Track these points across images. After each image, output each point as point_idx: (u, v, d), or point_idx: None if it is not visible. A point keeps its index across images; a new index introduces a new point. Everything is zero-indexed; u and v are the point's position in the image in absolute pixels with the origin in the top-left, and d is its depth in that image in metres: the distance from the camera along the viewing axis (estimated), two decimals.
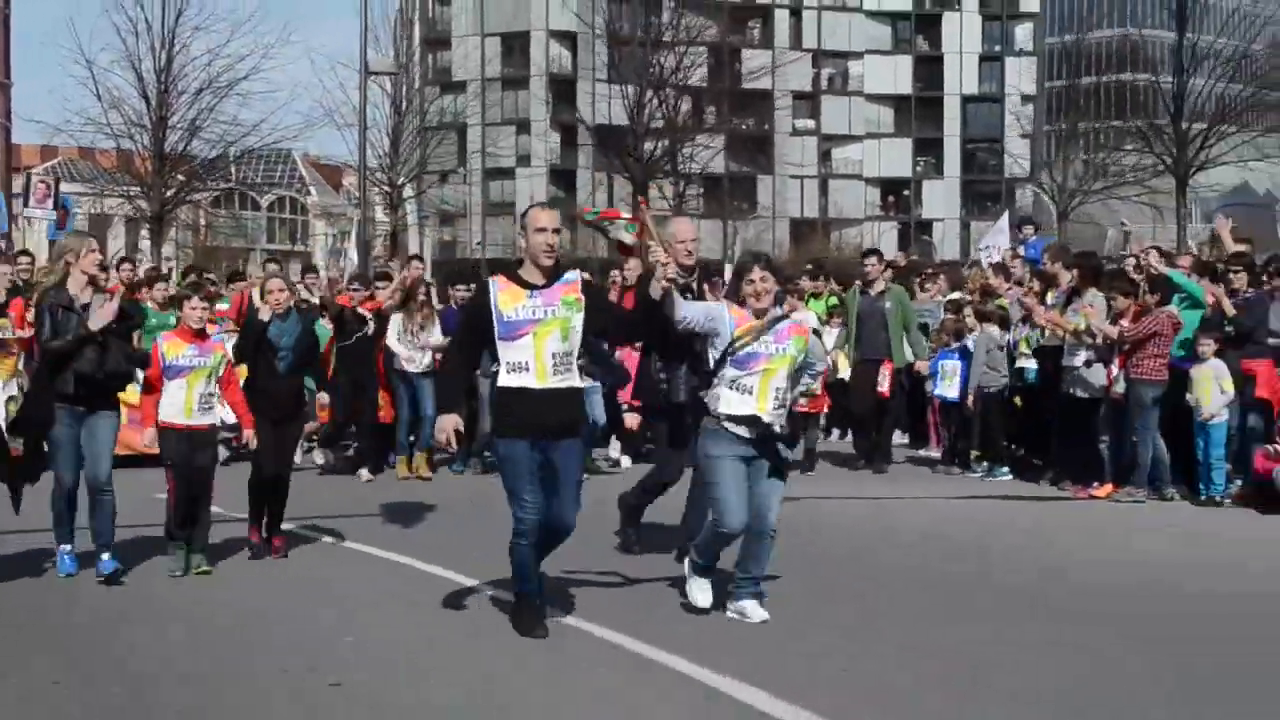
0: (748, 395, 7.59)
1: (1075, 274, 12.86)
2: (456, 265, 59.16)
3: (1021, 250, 16.58)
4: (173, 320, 15.18)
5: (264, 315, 10.04)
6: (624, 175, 57.98)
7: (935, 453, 16.07)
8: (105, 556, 8.91)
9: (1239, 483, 12.30)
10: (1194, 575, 9.30)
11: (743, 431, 7.57)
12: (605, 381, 12.39)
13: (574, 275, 7.57)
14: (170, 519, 9.39)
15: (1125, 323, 12.66)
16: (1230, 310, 12.44)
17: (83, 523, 9.06)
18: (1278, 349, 12.11)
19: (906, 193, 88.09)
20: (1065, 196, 53.63)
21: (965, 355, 14.93)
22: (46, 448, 8.97)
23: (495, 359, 7.42)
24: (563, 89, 76.75)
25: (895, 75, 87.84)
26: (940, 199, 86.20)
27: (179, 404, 9.34)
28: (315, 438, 15.11)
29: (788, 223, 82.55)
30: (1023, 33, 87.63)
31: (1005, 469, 14.35)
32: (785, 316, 7.84)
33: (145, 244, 36.40)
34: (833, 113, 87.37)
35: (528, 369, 7.27)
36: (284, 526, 10.16)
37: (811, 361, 7.98)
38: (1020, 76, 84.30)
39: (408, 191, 46.10)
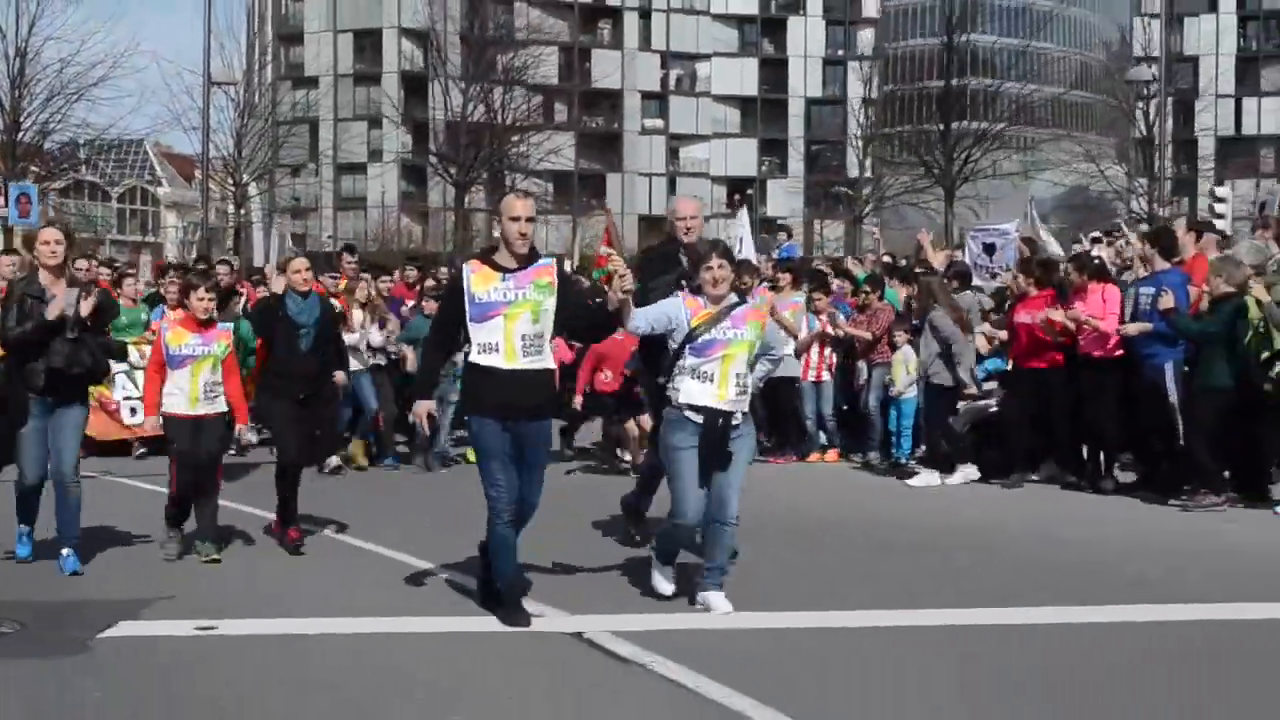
0: (709, 383, 7.59)
1: (788, 278, 15.52)
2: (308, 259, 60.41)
3: (775, 254, 19.19)
4: (143, 317, 15.69)
5: (277, 288, 9.92)
6: (446, 177, 59.05)
7: None
8: (67, 552, 8.72)
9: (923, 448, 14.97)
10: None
11: (701, 420, 7.61)
12: None
13: (548, 260, 7.71)
14: (169, 506, 9.35)
15: (839, 322, 15.31)
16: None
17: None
18: None
19: (751, 191, 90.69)
20: (861, 202, 57.04)
21: None
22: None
23: (467, 339, 7.52)
24: (415, 85, 78.27)
25: (741, 77, 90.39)
26: (784, 198, 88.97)
27: (185, 393, 9.29)
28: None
29: (636, 219, 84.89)
30: (865, 38, 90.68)
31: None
32: (742, 302, 7.93)
33: None
34: (681, 113, 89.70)
35: (497, 350, 7.37)
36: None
37: (771, 345, 8.02)
38: (862, 80, 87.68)
39: (252, 190, 47.79)
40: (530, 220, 7.49)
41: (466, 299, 7.42)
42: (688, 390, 7.62)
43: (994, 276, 15.32)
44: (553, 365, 7.65)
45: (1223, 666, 6.68)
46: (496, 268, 7.47)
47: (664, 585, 7.99)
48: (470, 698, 6.13)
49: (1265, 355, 11.13)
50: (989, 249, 14.66)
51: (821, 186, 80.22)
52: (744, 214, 19.48)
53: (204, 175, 29.32)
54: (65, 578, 8.56)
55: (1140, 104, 75.77)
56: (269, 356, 10.01)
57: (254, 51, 69.55)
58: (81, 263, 17.74)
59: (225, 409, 9.50)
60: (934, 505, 12.32)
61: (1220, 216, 27.58)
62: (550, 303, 7.44)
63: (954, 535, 10.64)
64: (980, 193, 50.57)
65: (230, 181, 45.37)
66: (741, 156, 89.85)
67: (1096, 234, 17.05)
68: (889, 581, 8.71)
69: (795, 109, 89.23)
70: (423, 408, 7.81)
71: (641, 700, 6.10)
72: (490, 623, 7.43)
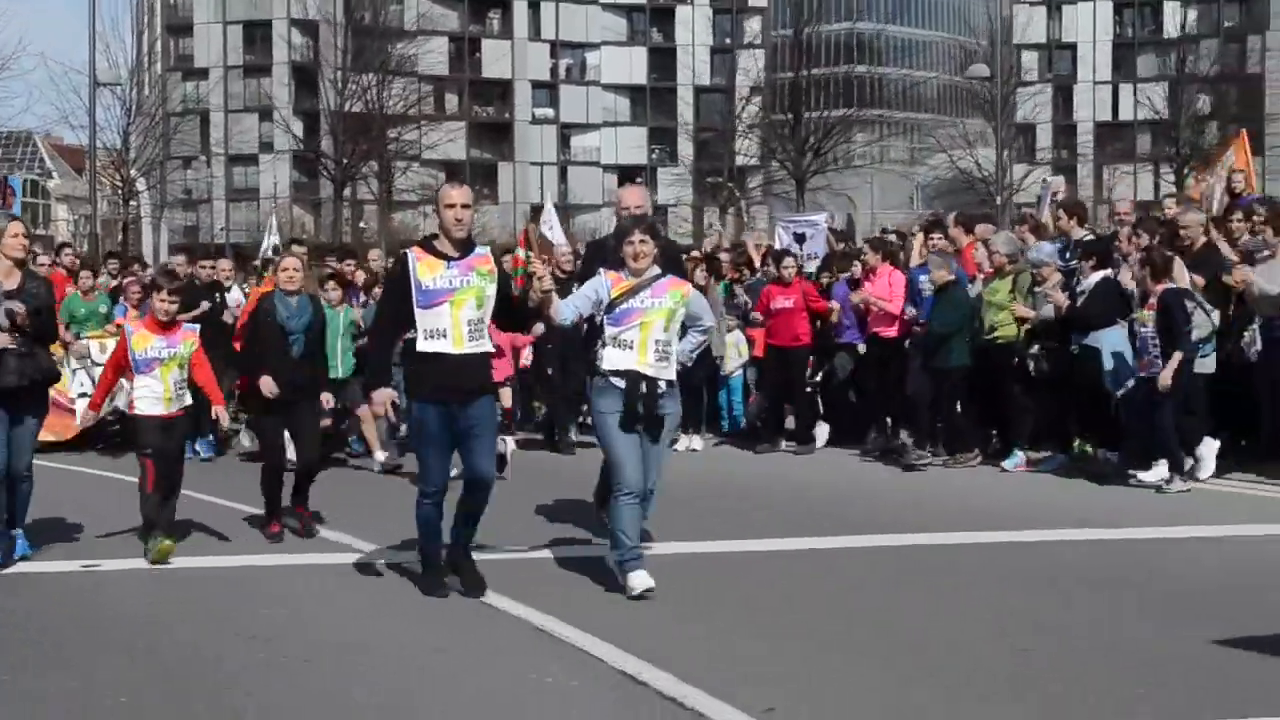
0: (628, 350, 7.81)
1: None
2: (200, 250, 61.08)
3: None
4: (101, 309, 15.90)
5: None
6: (325, 172, 59.57)
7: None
8: (16, 532, 8.99)
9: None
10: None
11: (624, 385, 7.81)
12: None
13: (485, 250, 8.00)
14: (147, 505, 9.19)
15: None
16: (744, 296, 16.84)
17: None
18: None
19: (641, 179, 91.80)
20: (725, 193, 59.03)
21: None
22: None
23: (412, 326, 7.77)
24: (305, 77, 78.78)
25: (631, 66, 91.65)
26: (673, 186, 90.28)
27: (157, 395, 9.23)
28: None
29: (528, 208, 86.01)
30: (752, 26, 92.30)
31: None
32: (661, 276, 8.02)
33: None
34: (571, 102, 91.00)
35: (445, 335, 7.65)
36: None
37: (698, 315, 8.16)
38: (750, 68, 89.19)
39: (141, 185, 48.69)
40: (466, 207, 7.79)
41: (413, 287, 7.69)
42: (610, 358, 7.86)
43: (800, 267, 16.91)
44: (491, 348, 7.98)
45: (926, 579, 8.50)
46: (440, 256, 7.75)
47: (639, 582, 7.80)
48: (299, 605, 7.76)
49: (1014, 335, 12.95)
50: (800, 239, 16.29)
51: (700, 175, 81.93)
52: (550, 206, 20.38)
53: (91, 176, 30.49)
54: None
55: (1020, 90, 78.72)
56: (260, 361, 9.90)
57: (142, 44, 69.98)
58: (68, 252, 17.87)
59: (190, 403, 9.52)
60: (725, 467, 14.05)
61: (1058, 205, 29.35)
62: (491, 289, 7.78)
63: (737, 489, 12.40)
64: (831, 184, 52.63)
65: (119, 177, 46.24)
66: (631, 145, 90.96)
67: (886, 226, 18.83)
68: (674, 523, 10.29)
69: (684, 97, 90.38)
70: (385, 395, 7.94)
71: (439, 608, 7.75)
72: (336, 556, 9.06)
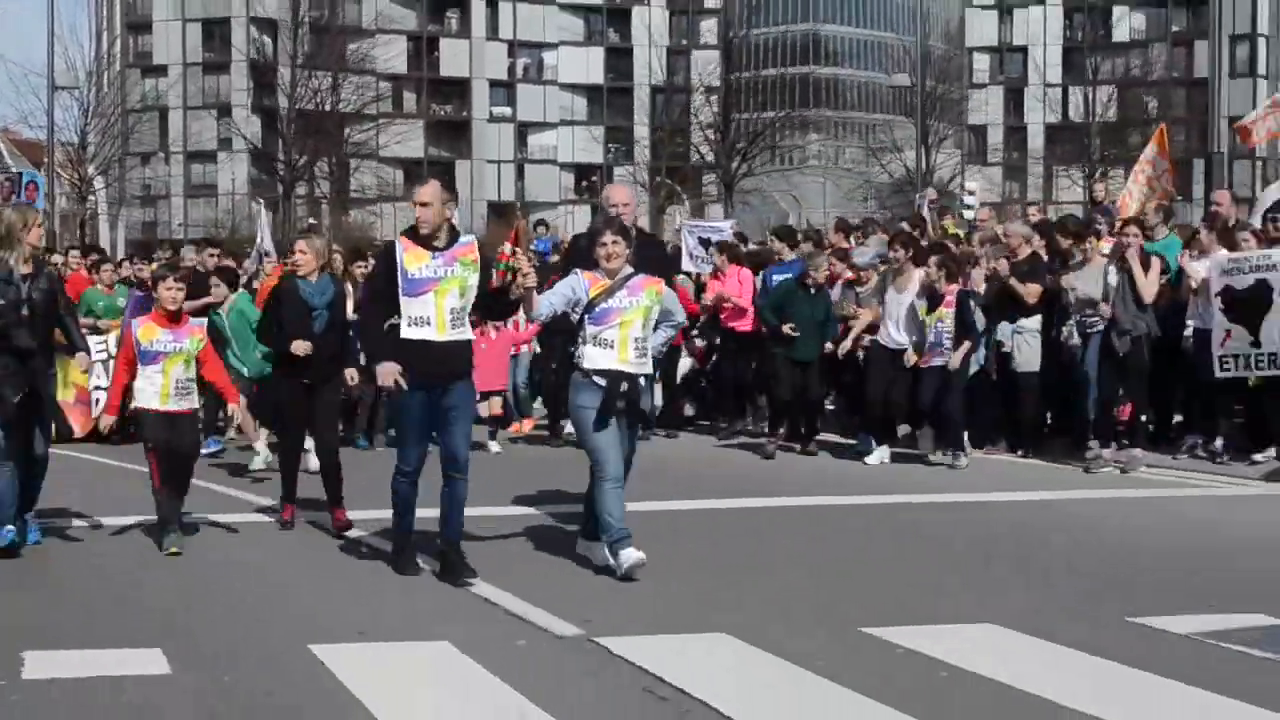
0: (609, 349, 8.07)
1: None
2: (158, 246, 62.07)
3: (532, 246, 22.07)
4: (120, 302, 15.66)
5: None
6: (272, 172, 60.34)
7: None
8: (28, 517, 9.03)
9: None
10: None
11: (605, 383, 8.07)
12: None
13: (469, 239, 8.34)
14: (161, 505, 9.16)
15: None
16: None
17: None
18: None
19: (597, 178, 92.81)
20: (663, 195, 60.51)
21: None
22: None
23: (397, 312, 8.05)
24: (264, 74, 79.68)
25: (588, 66, 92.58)
26: (630, 185, 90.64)
27: (156, 389, 9.14)
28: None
29: (485, 205, 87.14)
30: (707, 27, 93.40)
31: None
32: (635, 274, 8.27)
33: None
34: (528, 101, 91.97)
35: (429, 323, 7.98)
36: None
37: (670, 311, 8.42)
38: (705, 69, 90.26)
39: (98, 183, 49.61)
40: (425, 205, 8.08)
41: (400, 274, 8.03)
42: (590, 357, 8.13)
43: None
44: (471, 335, 8.36)
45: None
46: (426, 246, 8.11)
47: (630, 559, 8.09)
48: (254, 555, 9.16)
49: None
50: (705, 243, 17.68)
51: (655, 174, 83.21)
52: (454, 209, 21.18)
53: (50, 176, 31.64)
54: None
55: (971, 92, 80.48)
56: (278, 338, 10.05)
57: (101, 44, 70.78)
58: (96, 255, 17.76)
59: (198, 405, 9.50)
60: None
61: (969, 207, 30.85)
62: (474, 279, 8.12)
63: None
64: (760, 186, 53.94)
65: (76, 175, 47.13)
66: (588, 144, 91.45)
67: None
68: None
69: (640, 97, 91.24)
70: (391, 368, 8.05)
71: (356, 560, 9.09)
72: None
